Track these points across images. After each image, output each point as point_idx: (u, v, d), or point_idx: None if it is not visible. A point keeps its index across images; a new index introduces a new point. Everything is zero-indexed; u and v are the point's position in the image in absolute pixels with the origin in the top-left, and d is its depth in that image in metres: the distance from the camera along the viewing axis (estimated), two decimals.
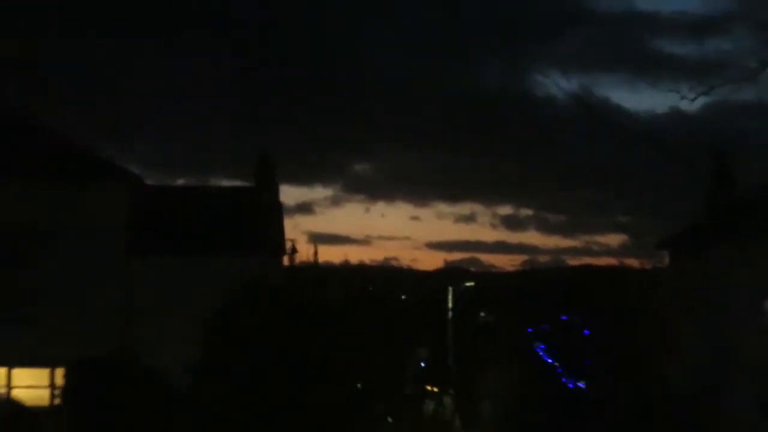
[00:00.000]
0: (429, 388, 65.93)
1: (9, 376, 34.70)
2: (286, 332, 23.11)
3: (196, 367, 23.23)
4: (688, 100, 8.79)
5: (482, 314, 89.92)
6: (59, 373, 31.00)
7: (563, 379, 73.55)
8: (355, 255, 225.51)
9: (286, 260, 39.08)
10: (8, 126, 37.91)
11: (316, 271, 40.92)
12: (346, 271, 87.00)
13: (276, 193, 41.41)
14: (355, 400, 23.43)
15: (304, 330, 23.55)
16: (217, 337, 23.61)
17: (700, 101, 11.10)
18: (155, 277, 35.24)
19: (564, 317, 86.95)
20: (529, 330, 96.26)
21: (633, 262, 63.29)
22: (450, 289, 69.71)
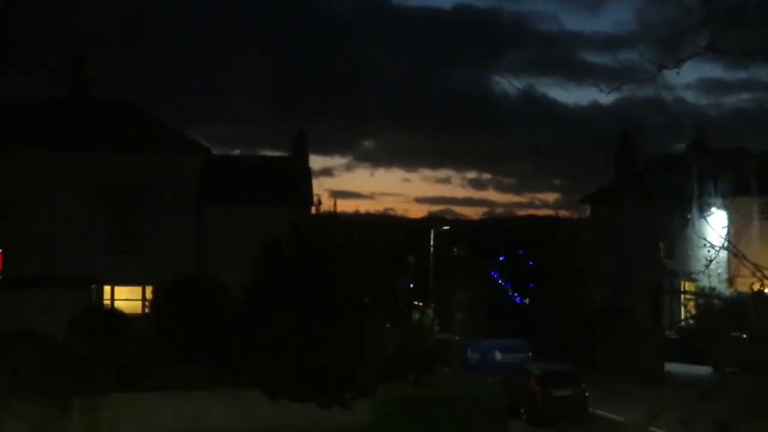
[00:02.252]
0: (416, 303, 66.56)
1: (113, 292, 35.39)
2: (316, 263, 23.35)
3: (251, 287, 23.66)
4: (605, 93, 9.34)
5: (455, 250, 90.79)
6: (149, 290, 31.25)
7: (513, 297, 74.23)
8: (363, 207, 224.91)
9: (313, 210, 39.63)
10: (112, 108, 38.40)
11: (335, 218, 41.35)
12: (357, 218, 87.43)
13: (306, 160, 41.73)
14: (364, 309, 23.85)
15: (329, 262, 23.78)
16: (266, 265, 23.85)
17: (613, 96, 11.63)
18: (220, 221, 35.74)
19: (515, 253, 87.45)
20: (490, 262, 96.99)
21: (565, 213, 63.87)
22: (432, 231, 70.16)
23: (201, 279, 25.66)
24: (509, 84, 9.67)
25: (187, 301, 24.00)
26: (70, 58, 39.87)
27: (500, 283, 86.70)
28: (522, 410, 26.57)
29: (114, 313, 28.81)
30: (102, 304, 33.74)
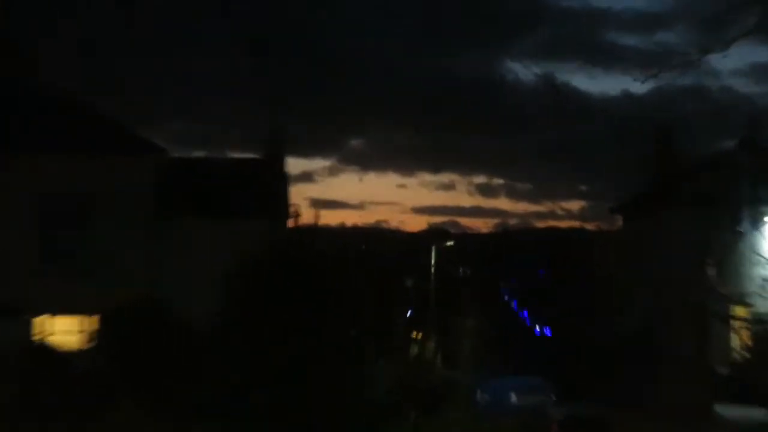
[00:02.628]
0: (414, 334, 66.40)
1: (50, 323, 34.97)
2: (294, 286, 23.30)
3: (217, 314, 23.51)
4: (639, 82, 9.19)
5: (461, 269, 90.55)
6: (94, 320, 30.84)
7: (529, 325, 74.33)
8: (350, 218, 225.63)
9: (291, 223, 39.42)
10: (55, 104, 38.14)
11: (317, 233, 41.23)
12: (343, 232, 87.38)
13: (283, 164, 41.58)
14: (353, 341, 23.75)
15: (310, 285, 23.74)
16: (235, 288, 23.78)
17: (648, 85, 11.54)
18: (181, 236, 35.47)
19: (532, 272, 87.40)
20: (501, 283, 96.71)
21: (591, 225, 63.87)
22: (433, 248, 70.01)
23: (156, 305, 25.50)
24: (525, 71, 9.57)
25: (137, 334, 23.82)
26: None
27: (515, 308, 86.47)
28: None
29: (46, 349, 28.51)
30: (34, 337, 33.35)
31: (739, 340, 32.61)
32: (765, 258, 30.83)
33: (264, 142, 41.94)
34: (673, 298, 37.60)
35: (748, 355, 29.05)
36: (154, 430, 21.74)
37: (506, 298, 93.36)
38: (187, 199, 37.17)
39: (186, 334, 24.04)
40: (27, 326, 34.04)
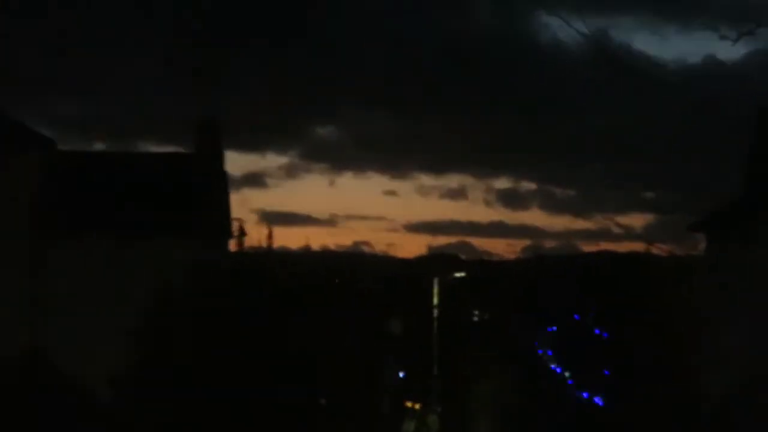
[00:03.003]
0: (409, 404, 66.41)
1: None
2: (234, 333, 23.41)
3: (126, 374, 23.53)
4: (730, 42, 9.13)
5: (476, 312, 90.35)
6: None
7: (576, 392, 74.39)
8: (317, 238, 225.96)
9: (232, 245, 39.36)
10: None
11: (270, 259, 41.24)
12: (308, 259, 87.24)
13: (221, 162, 41.39)
14: (315, 420, 23.85)
15: (258, 332, 23.86)
16: (150, 335, 23.83)
17: (743, 46, 11.52)
18: (73, 263, 35.31)
19: (577, 316, 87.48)
20: (534, 331, 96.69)
21: (663, 248, 63.94)
22: (435, 280, 70.27)
23: (33, 362, 25.49)
24: (567, 27, 9.67)
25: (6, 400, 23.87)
26: None
27: (553, 369, 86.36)
28: None
29: None
30: None
31: None
32: None
33: (194, 132, 41.78)
34: None
35: None
36: None
37: (541, 352, 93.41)
38: (83, 210, 37.06)
39: (79, 406, 24.06)
40: None
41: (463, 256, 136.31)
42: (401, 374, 71.15)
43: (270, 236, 40.74)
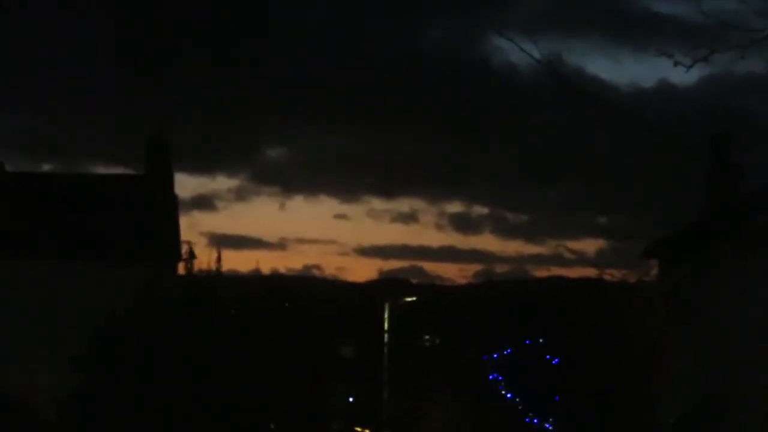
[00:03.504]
0: (359, 429, 66.15)
1: None
2: (182, 361, 23.27)
3: (70, 401, 23.33)
4: (684, 67, 8.91)
5: (426, 337, 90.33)
6: None
7: (527, 419, 74.44)
8: (267, 262, 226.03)
9: (181, 268, 38.98)
10: None
11: (218, 281, 40.86)
12: (257, 281, 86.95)
13: (170, 184, 41.21)
14: None
15: (205, 359, 23.75)
16: (93, 364, 23.65)
17: (696, 72, 11.32)
18: (18, 287, 34.97)
19: (528, 341, 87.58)
20: (485, 357, 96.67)
21: (615, 274, 63.90)
22: (386, 305, 69.89)
23: None
24: (519, 50, 9.34)
25: None
26: None
27: (503, 394, 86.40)
28: None
29: None
30: None
31: None
32: None
33: (142, 152, 41.50)
34: (733, 380, 37.58)
35: None
36: None
37: (492, 377, 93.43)
38: (31, 232, 36.70)
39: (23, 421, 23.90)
40: None
41: (414, 281, 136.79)
42: (351, 399, 70.83)
43: (219, 259, 40.29)
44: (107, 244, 36.95)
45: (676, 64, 10.42)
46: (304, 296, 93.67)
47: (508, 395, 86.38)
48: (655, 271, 49.94)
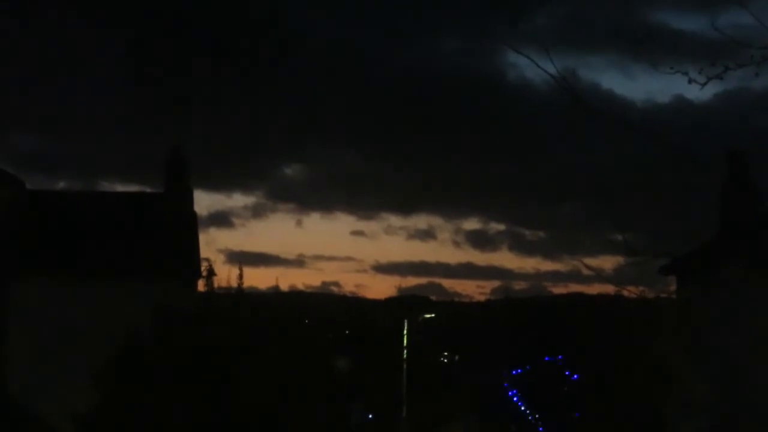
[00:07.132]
0: None
1: None
2: (203, 378, 23.35)
3: (89, 417, 23.45)
4: (698, 85, 8.98)
5: (445, 353, 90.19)
6: None
7: None
8: (285, 278, 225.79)
9: (201, 285, 39.04)
10: None
11: (240, 299, 40.91)
12: (277, 298, 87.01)
13: (189, 201, 41.15)
14: None
15: (224, 375, 23.79)
16: (112, 382, 23.77)
17: (711, 87, 11.35)
18: (34, 307, 35.02)
19: (547, 358, 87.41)
20: (504, 374, 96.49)
21: (633, 290, 63.83)
22: (405, 322, 69.84)
23: None
24: (534, 66, 9.42)
25: None
26: None
27: (524, 412, 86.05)
28: None
29: None
30: None
31: None
32: None
33: (161, 169, 41.50)
34: (753, 398, 37.51)
35: None
36: None
37: (511, 393, 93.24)
38: (52, 251, 36.81)
39: None
40: None
41: (433, 297, 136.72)
42: (369, 415, 70.70)
43: (241, 276, 40.34)
44: (127, 263, 36.96)
45: (690, 81, 10.50)
46: (324, 312, 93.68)
47: (527, 412, 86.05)
48: (673, 288, 49.91)
